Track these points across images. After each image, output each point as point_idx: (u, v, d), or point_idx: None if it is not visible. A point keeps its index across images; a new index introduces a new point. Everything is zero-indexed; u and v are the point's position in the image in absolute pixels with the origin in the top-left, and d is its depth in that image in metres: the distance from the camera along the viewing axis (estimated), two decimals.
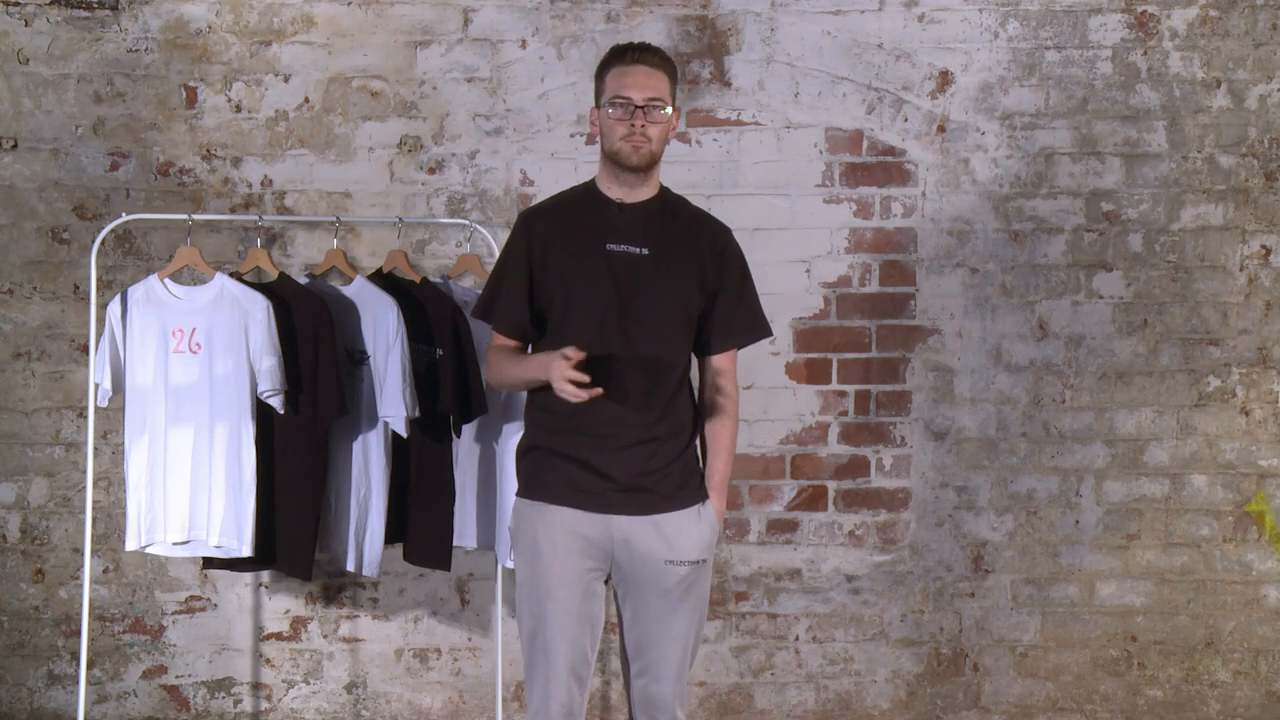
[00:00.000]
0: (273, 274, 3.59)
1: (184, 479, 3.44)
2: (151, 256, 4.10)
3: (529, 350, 2.83)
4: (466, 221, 3.88)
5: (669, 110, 2.71)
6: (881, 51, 4.16)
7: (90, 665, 4.10)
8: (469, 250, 3.88)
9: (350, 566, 3.56)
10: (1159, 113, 4.17)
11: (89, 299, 3.61)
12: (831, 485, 4.19)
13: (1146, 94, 4.18)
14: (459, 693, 4.20)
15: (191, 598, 4.16)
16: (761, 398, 4.14)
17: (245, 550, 3.42)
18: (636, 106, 2.67)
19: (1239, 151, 4.18)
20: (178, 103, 4.12)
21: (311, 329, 3.46)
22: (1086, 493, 4.20)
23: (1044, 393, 4.19)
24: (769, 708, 4.21)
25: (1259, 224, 4.18)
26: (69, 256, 4.11)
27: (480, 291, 3.69)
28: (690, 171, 4.07)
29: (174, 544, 3.47)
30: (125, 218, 3.67)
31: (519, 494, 2.79)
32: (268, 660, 4.18)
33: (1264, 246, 4.19)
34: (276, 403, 3.42)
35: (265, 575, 4.14)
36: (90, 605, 3.67)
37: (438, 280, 3.72)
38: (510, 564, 3.56)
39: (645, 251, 2.73)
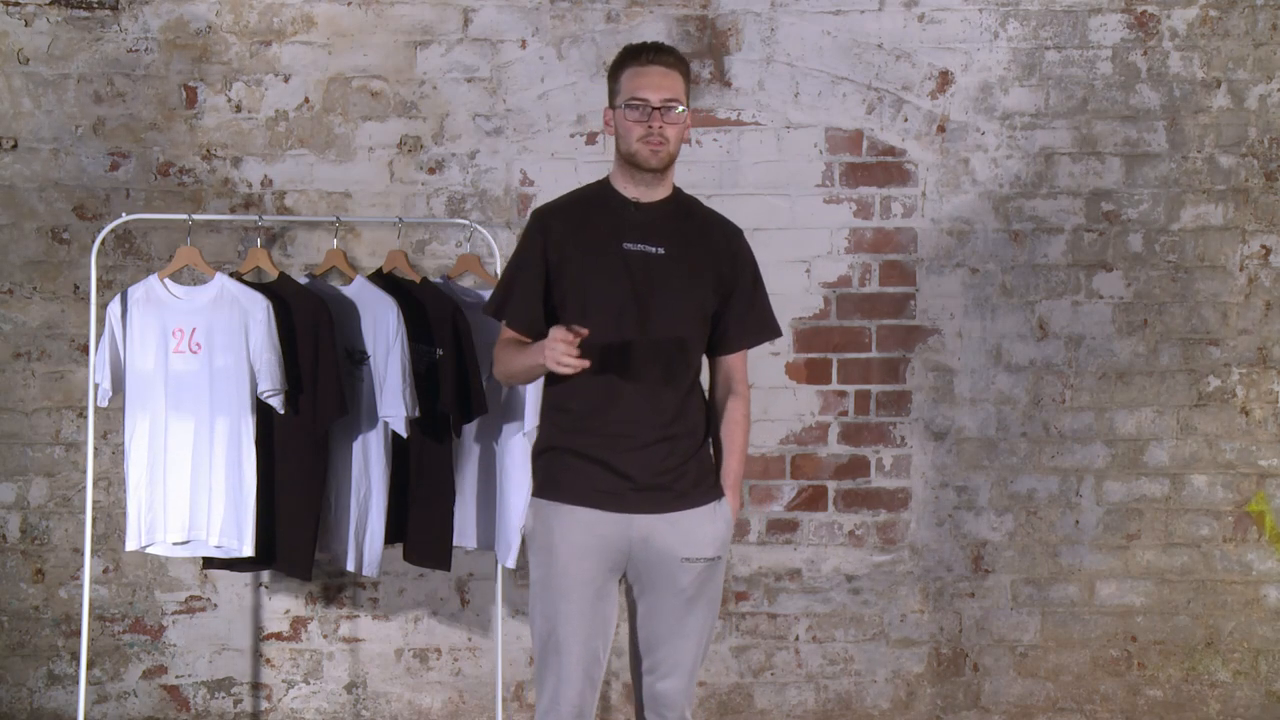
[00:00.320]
0: (273, 274, 3.59)
1: (184, 479, 3.44)
2: (151, 256, 4.10)
3: None
4: (466, 221, 3.88)
5: (685, 110, 2.70)
6: (881, 51, 4.16)
7: (90, 665, 4.10)
8: (469, 250, 3.88)
9: (350, 566, 3.57)
10: (1159, 113, 4.17)
11: (89, 299, 3.61)
12: (831, 485, 4.19)
13: (1146, 94, 4.18)
14: (459, 693, 4.20)
15: (191, 598, 4.16)
16: (761, 398, 4.14)
17: (245, 550, 3.42)
18: (654, 108, 2.66)
19: (1239, 151, 4.18)
20: (178, 103, 4.11)
21: (311, 329, 3.46)
22: (1086, 493, 4.19)
23: (1044, 393, 4.19)
24: (769, 708, 4.21)
25: (1259, 224, 4.18)
26: (69, 256, 4.11)
27: (479, 291, 3.73)
28: (690, 171, 4.07)
29: (174, 544, 3.47)
30: (125, 218, 3.67)
31: (535, 494, 2.78)
32: (268, 660, 4.18)
33: (1264, 246, 4.19)
34: (276, 403, 3.42)
35: (265, 575, 4.14)
36: (90, 605, 3.67)
37: (438, 280, 3.72)
38: (510, 564, 3.57)
39: (662, 251, 2.72)
